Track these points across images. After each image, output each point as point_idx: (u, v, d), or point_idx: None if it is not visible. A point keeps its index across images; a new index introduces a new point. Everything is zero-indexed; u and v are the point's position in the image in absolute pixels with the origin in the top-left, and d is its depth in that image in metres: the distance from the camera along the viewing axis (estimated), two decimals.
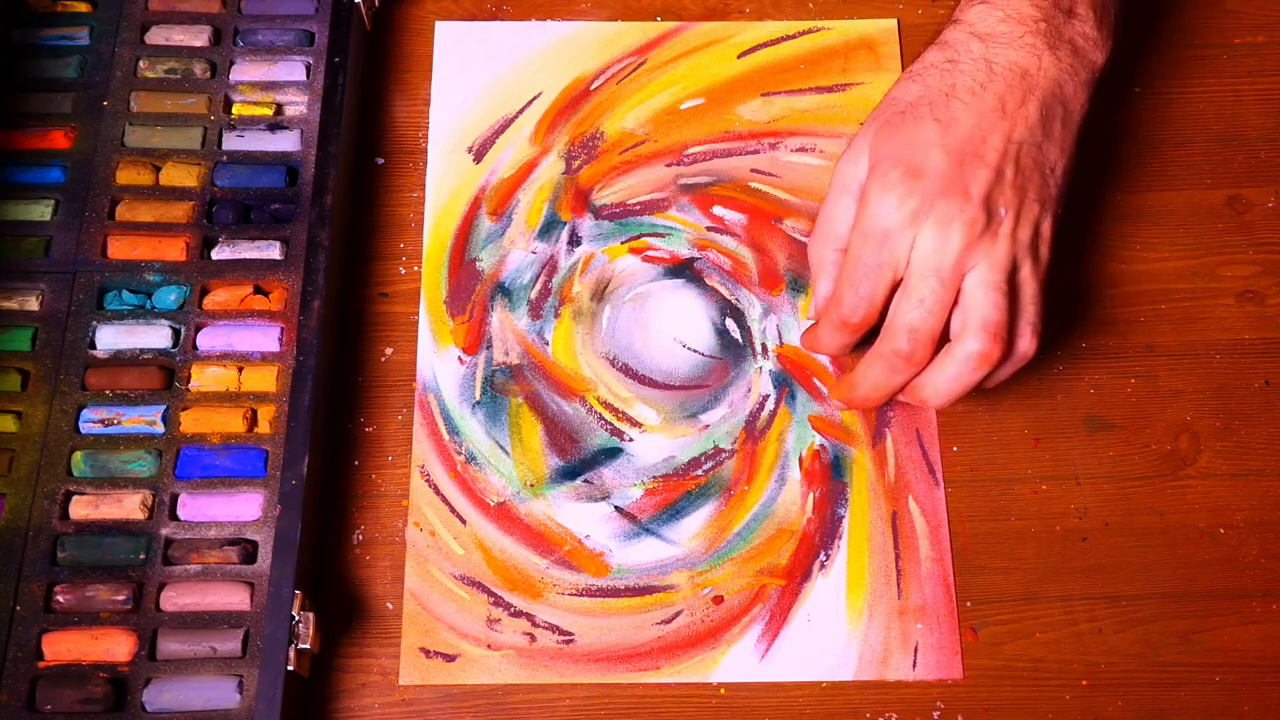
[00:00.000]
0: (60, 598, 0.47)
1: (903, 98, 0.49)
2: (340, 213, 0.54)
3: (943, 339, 0.47)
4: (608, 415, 0.54)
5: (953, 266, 0.46)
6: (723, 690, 0.50)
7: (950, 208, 0.46)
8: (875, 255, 0.47)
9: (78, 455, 0.50)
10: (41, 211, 0.54)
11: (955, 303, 0.46)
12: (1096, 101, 0.50)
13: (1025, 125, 0.47)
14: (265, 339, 0.52)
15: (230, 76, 0.57)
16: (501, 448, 0.53)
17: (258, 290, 0.53)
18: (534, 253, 0.57)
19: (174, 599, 0.48)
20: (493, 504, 0.52)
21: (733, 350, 0.55)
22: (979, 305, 0.46)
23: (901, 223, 0.46)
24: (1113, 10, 0.50)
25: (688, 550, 0.52)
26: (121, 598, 0.47)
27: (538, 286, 0.56)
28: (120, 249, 0.53)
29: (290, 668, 0.45)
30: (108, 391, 0.51)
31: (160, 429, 0.50)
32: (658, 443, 0.54)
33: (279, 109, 0.57)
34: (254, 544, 0.49)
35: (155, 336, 0.52)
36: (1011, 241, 0.46)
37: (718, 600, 0.51)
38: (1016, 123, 0.47)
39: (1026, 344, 0.47)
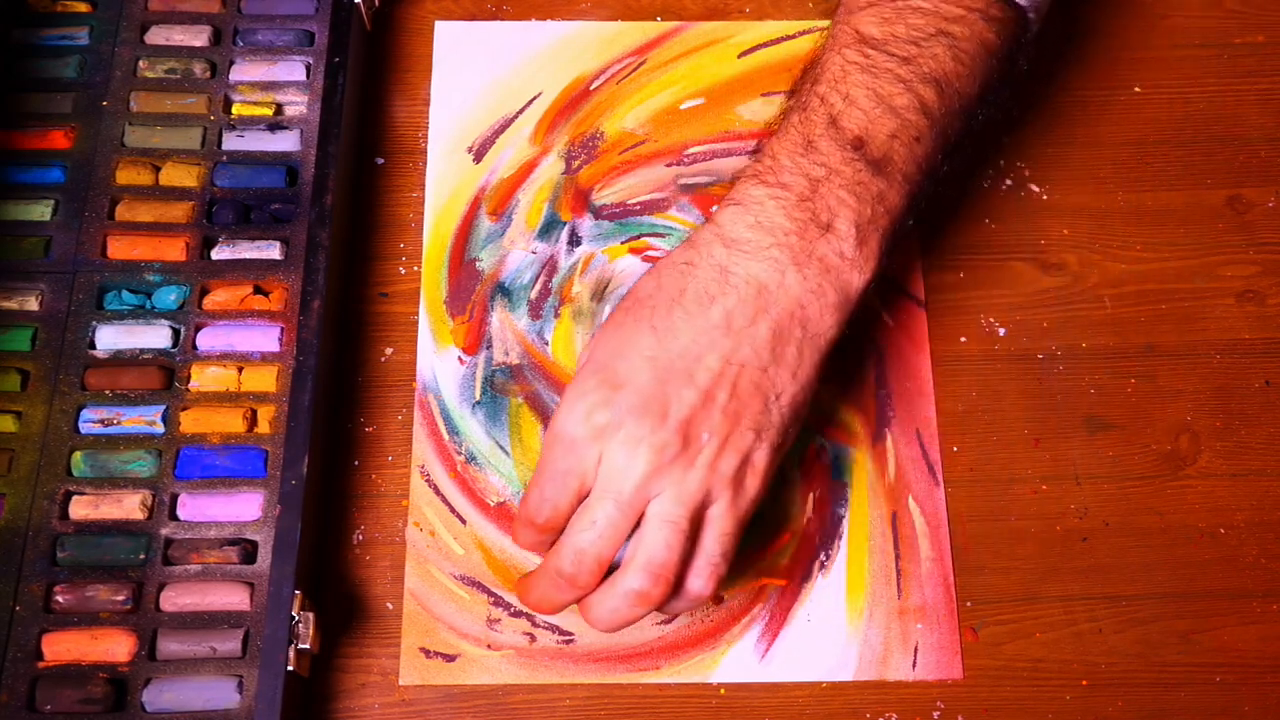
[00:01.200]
0: (60, 598, 0.47)
1: (638, 292, 0.46)
2: (340, 213, 0.54)
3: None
4: None
5: (633, 492, 0.42)
6: (723, 690, 0.50)
7: (641, 429, 0.42)
8: (562, 461, 0.43)
9: (78, 455, 0.50)
10: (41, 211, 0.54)
11: (637, 526, 0.43)
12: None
13: (751, 346, 0.43)
14: (265, 339, 0.52)
15: (230, 76, 0.57)
16: (501, 448, 0.53)
17: (258, 290, 0.53)
18: (534, 253, 0.57)
19: (174, 599, 0.48)
20: (493, 504, 0.52)
21: None
22: (648, 541, 0.42)
23: (588, 435, 0.43)
24: (883, 228, 0.45)
25: None
26: (121, 598, 0.47)
27: (538, 286, 0.56)
28: (120, 249, 0.53)
29: (290, 668, 0.45)
30: (107, 391, 0.51)
31: (160, 429, 0.50)
32: None
33: (279, 109, 0.57)
34: (254, 544, 0.49)
35: (155, 336, 0.52)
36: (708, 472, 0.43)
37: (718, 600, 0.51)
38: (741, 342, 0.43)
39: (700, 585, 0.44)
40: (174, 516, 0.49)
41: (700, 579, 0.44)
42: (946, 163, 0.48)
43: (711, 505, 0.43)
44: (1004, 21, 0.49)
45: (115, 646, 0.47)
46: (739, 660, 0.50)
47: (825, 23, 0.61)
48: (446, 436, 0.54)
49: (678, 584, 0.44)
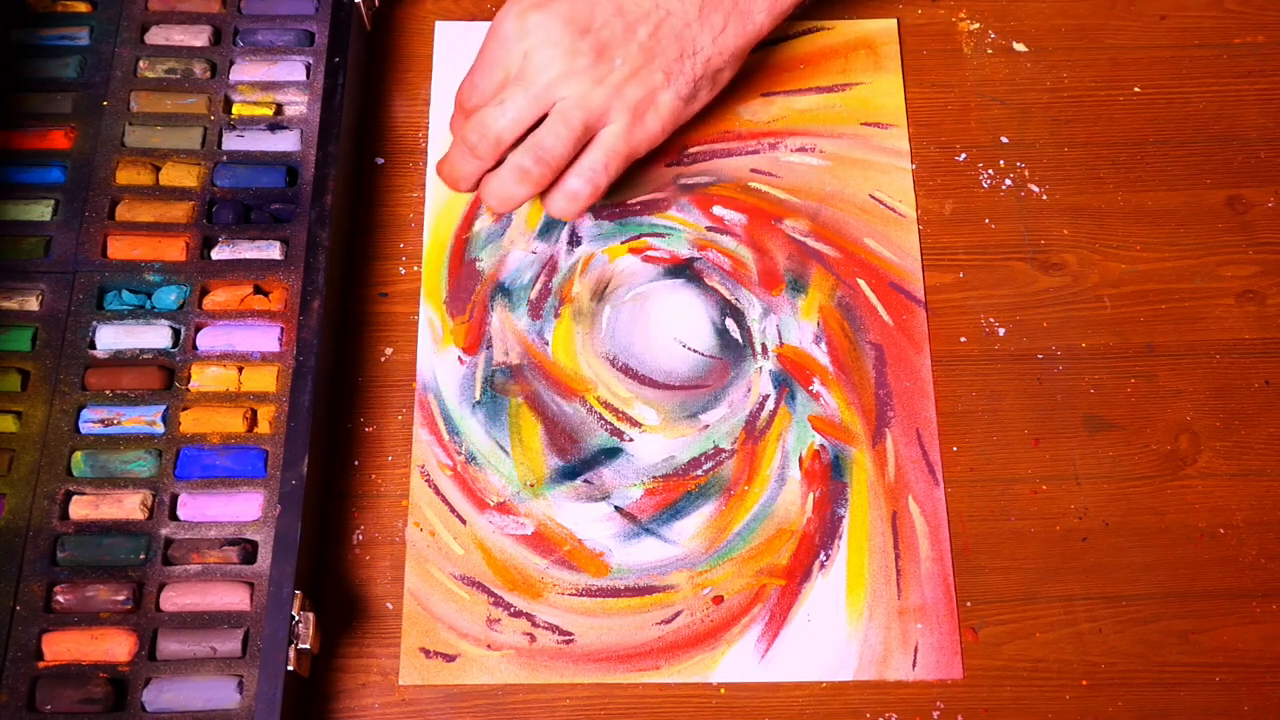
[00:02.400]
0: (60, 598, 0.47)
1: None
2: (340, 213, 0.54)
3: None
4: (608, 415, 0.54)
5: (542, 86, 0.49)
6: (723, 690, 0.50)
7: (564, 36, 0.49)
8: (492, 53, 0.50)
9: (78, 455, 0.50)
10: (41, 211, 0.54)
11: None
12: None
13: (680, 1, 0.50)
14: (265, 339, 0.52)
15: (230, 76, 0.57)
16: (501, 448, 0.53)
17: (258, 290, 0.53)
18: (534, 253, 0.57)
19: (174, 599, 0.48)
20: (493, 504, 0.52)
21: (732, 350, 0.55)
22: (542, 130, 0.49)
23: (516, 32, 0.49)
24: None
25: (688, 550, 0.52)
26: (121, 598, 0.47)
27: (538, 286, 0.56)
28: (120, 249, 0.53)
29: (290, 668, 0.45)
30: (108, 391, 0.51)
31: (160, 429, 0.50)
32: (658, 443, 0.54)
33: (279, 109, 0.57)
34: (254, 544, 0.49)
35: (155, 336, 0.52)
36: (612, 92, 0.49)
37: (718, 600, 0.51)
38: None
39: (577, 186, 0.50)
40: (174, 516, 0.49)
41: (579, 180, 0.50)
42: None
43: (608, 125, 0.50)
44: None
45: (115, 646, 0.47)
46: (739, 660, 0.50)
47: (826, 23, 0.61)
48: (446, 436, 0.54)
49: (559, 180, 0.51)
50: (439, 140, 0.59)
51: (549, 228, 0.57)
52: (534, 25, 0.49)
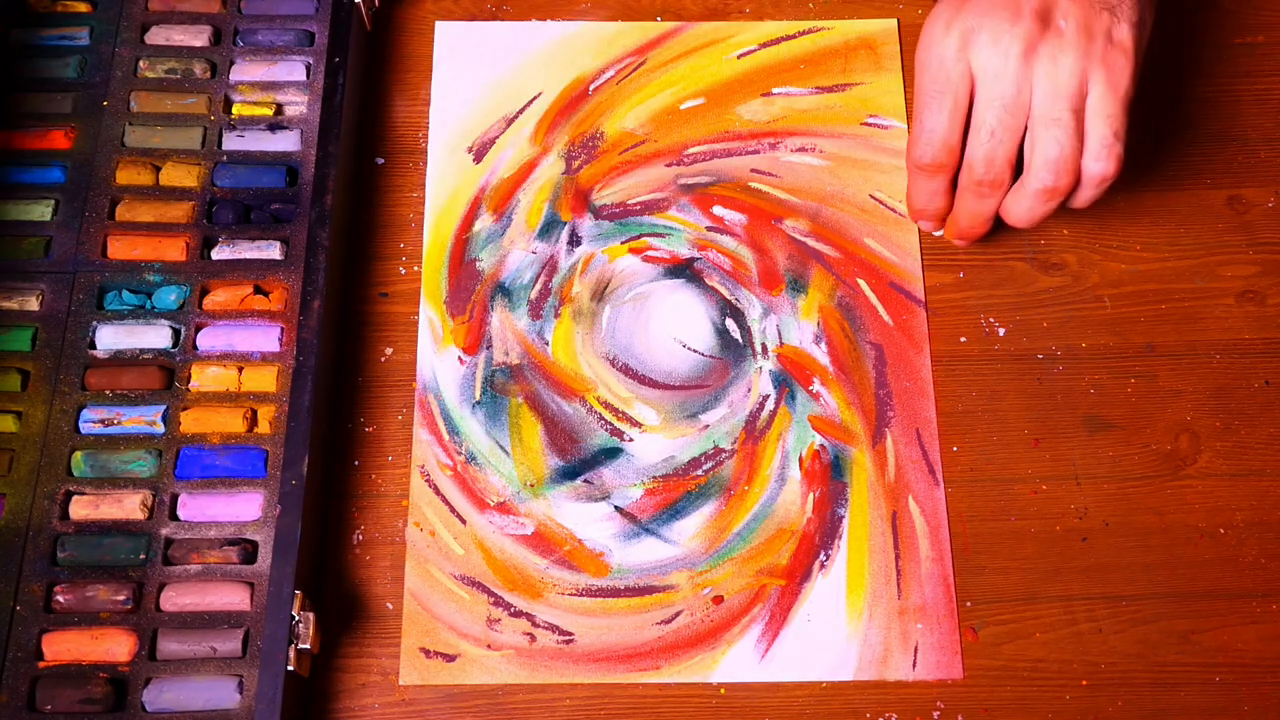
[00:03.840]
0: (60, 598, 0.47)
1: None
2: (340, 213, 0.54)
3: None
4: (608, 415, 0.54)
5: (1013, 90, 0.45)
6: (723, 690, 0.50)
7: (999, 24, 0.45)
8: (932, 84, 0.46)
9: (78, 455, 0.50)
10: (41, 211, 0.54)
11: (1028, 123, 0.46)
12: None
13: None
14: (265, 339, 0.52)
15: (230, 76, 0.57)
16: (501, 448, 0.53)
17: (258, 290, 0.53)
18: (534, 253, 0.57)
19: (174, 599, 0.48)
20: (493, 504, 0.52)
21: (733, 350, 0.55)
22: (1040, 143, 0.46)
23: (953, 48, 0.46)
24: None
25: (688, 550, 0.52)
26: (121, 598, 0.47)
27: (538, 286, 0.56)
28: (120, 249, 0.53)
29: (290, 668, 0.45)
30: (108, 391, 0.51)
31: (160, 429, 0.50)
32: (658, 443, 0.54)
33: (279, 109, 0.57)
34: (254, 544, 0.49)
35: (155, 336, 0.52)
36: (1077, 54, 0.45)
37: (718, 600, 0.51)
38: None
39: (1102, 167, 0.47)
40: (174, 516, 0.49)
41: (1099, 161, 0.46)
42: None
43: (1090, 91, 0.46)
44: None
45: (115, 646, 0.47)
46: (739, 660, 0.50)
47: (825, 22, 0.61)
48: (446, 436, 0.54)
49: (1080, 172, 0.47)
50: (439, 140, 0.59)
51: (549, 228, 0.57)
52: (964, 32, 0.46)
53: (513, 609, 0.51)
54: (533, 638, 0.50)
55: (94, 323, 0.52)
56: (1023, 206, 0.48)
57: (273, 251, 0.54)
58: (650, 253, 0.57)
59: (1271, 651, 0.51)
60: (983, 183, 0.47)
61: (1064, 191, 0.47)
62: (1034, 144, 0.46)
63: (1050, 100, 0.46)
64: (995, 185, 0.47)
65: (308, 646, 0.46)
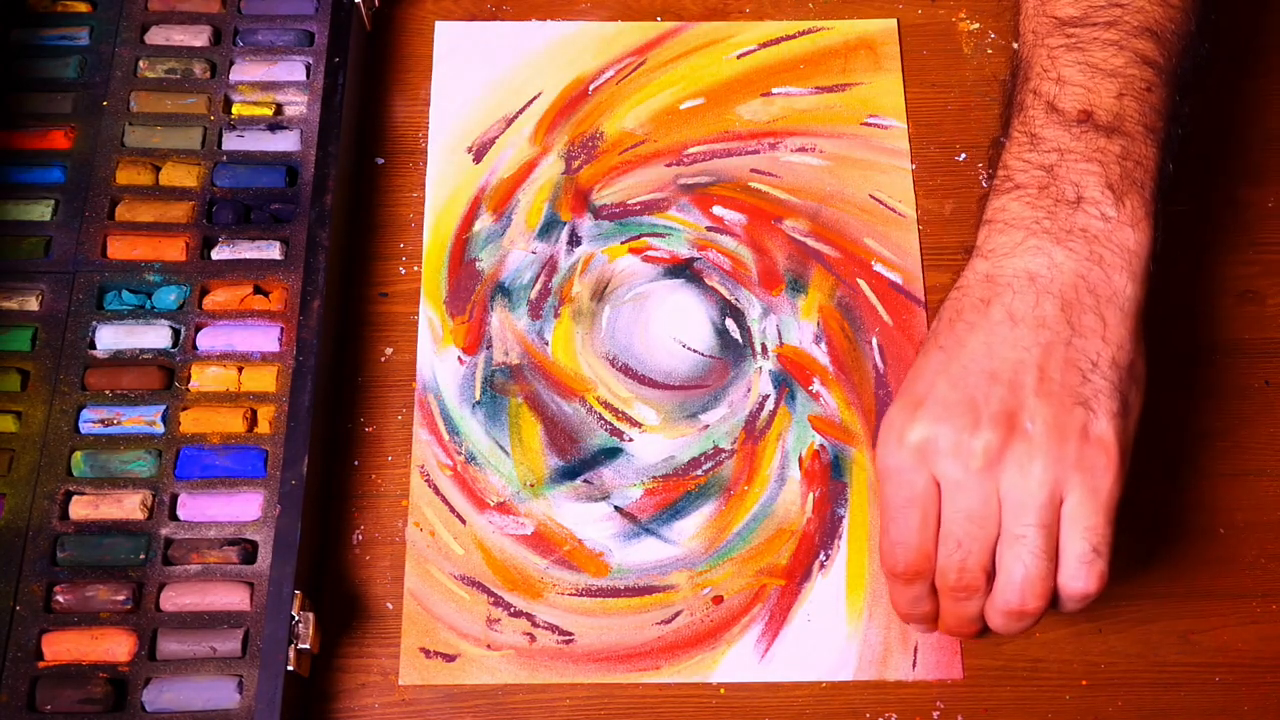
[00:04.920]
0: (60, 598, 0.47)
1: (928, 333, 0.45)
2: (340, 213, 0.54)
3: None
4: (607, 415, 0.54)
5: (980, 505, 0.41)
6: (723, 690, 0.50)
7: (959, 432, 0.41)
8: (895, 495, 0.42)
9: (78, 455, 0.50)
10: (41, 211, 0.54)
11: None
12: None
13: (1044, 327, 0.42)
14: (265, 339, 0.52)
15: (230, 76, 0.57)
16: (501, 448, 0.53)
17: (258, 290, 0.53)
18: (534, 253, 0.57)
19: (174, 599, 0.48)
20: (493, 504, 0.52)
21: (732, 350, 0.55)
22: (1004, 560, 0.41)
23: (910, 458, 0.42)
24: (1139, 181, 0.44)
25: (688, 550, 0.52)
26: (121, 598, 0.47)
27: (538, 286, 0.56)
28: (120, 249, 0.53)
29: (290, 668, 0.45)
30: (108, 391, 0.51)
31: (160, 429, 0.50)
32: (657, 443, 0.54)
33: (279, 109, 0.57)
34: (254, 544, 0.49)
35: (155, 336, 0.52)
36: (1048, 460, 0.40)
37: (718, 600, 0.51)
38: (1032, 327, 0.42)
39: (1080, 586, 0.41)
40: (174, 516, 0.49)
41: (1076, 580, 0.41)
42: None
43: (1066, 499, 0.41)
44: None
45: (115, 646, 0.47)
46: (739, 660, 0.50)
47: (826, 22, 0.61)
48: (446, 436, 0.54)
49: (1058, 589, 0.41)
50: (439, 140, 0.59)
51: (549, 228, 0.57)
52: (920, 441, 0.41)
53: (513, 609, 0.51)
54: (533, 638, 0.50)
55: (94, 323, 0.52)
56: (996, 624, 0.42)
57: (273, 251, 0.54)
58: (650, 253, 0.57)
59: (1271, 651, 0.51)
60: (957, 589, 0.42)
61: (1034, 613, 0.41)
62: (1000, 561, 0.41)
63: (1016, 514, 0.40)
64: (971, 590, 0.42)
65: (308, 646, 0.46)
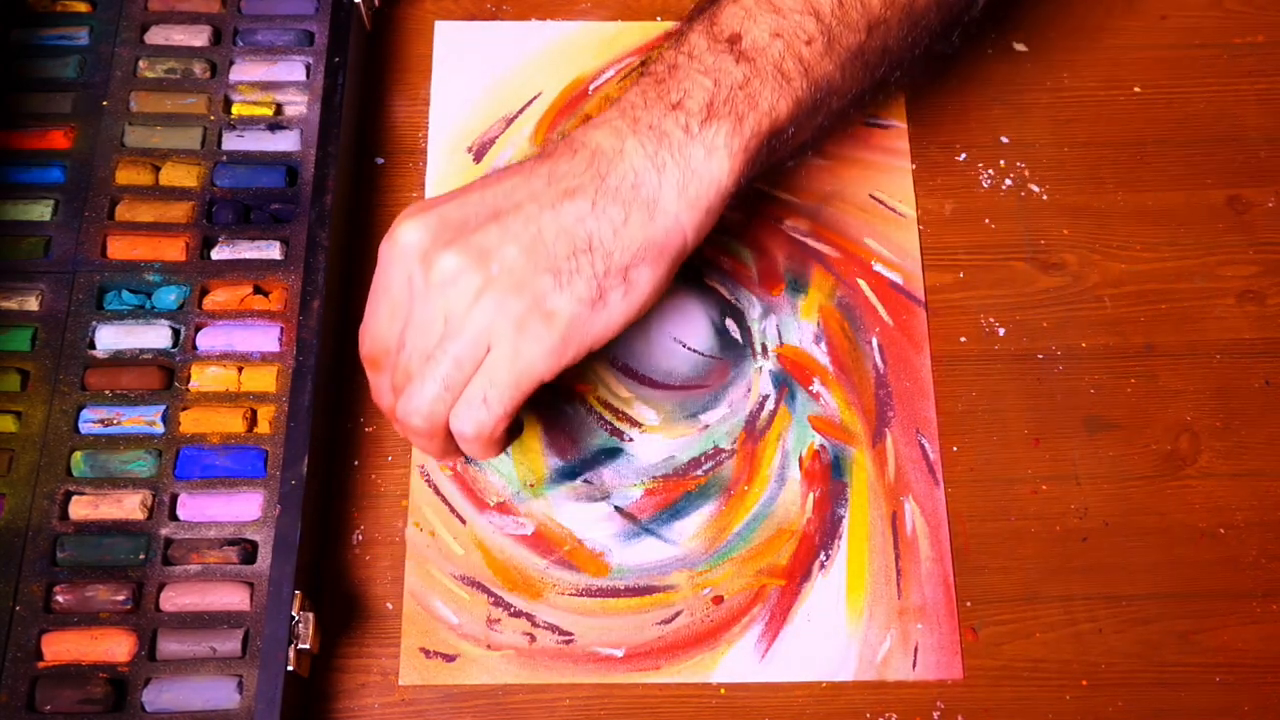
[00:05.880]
0: (60, 598, 0.47)
1: None
2: (340, 213, 0.54)
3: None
4: (608, 415, 0.54)
5: (429, 316, 0.43)
6: (723, 690, 0.50)
7: (437, 248, 0.42)
8: (376, 283, 0.44)
9: (77, 455, 0.50)
10: (41, 211, 0.54)
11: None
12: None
13: (569, 194, 0.42)
14: (265, 339, 0.52)
15: (230, 76, 0.57)
16: None
17: (258, 290, 0.53)
18: None
19: (174, 599, 0.48)
20: (492, 504, 0.52)
21: (733, 350, 0.55)
22: (415, 373, 0.43)
23: (395, 254, 0.43)
24: (744, 117, 0.43)
25: (688, 550, 0.52)
26: (121, 598, 0.47)
27: None
28: (120, 249, 0.53)
29: (290, 668, 0.45)
30: (107, 391, 0.51)
31: (160, 429, 0.50)
32: (657, 443, 0.54)
33: (279, 109, 0.57)
34: (254, 544, 0.49)
35: (155, 336, 0.52)
36: (492, 303, 0.41)
37: (718, 600, 0.51)
38: (561, 193, 0.42)
39: (459, 423, 0.43)
40: (174, 516, 0.49)
41: (456, 418, 0.43)
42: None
43: (493, 348, 0.42)
44: None
45: (115, 646, 0.47)
46: (739, 660, 0.50)
47: None
48: None
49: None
50: (439, 140, 0.59)
51: None
52: (407, 244, 0.42)
53: (513, 609, 0.51)
54: (532, 638, 0.50)
55: (94, 323, 0.52)
56: (398, 428, 0.45)
57: (273, 251, 0.54)
58: None
59: (1271, 651, 0.51)
60: (396, 387, 0.44)
61: (416, 431, 0.43)
62: (415, 372, 0.43)
63: (445, 338, 0.42)
64: (399, 391, 0.44)
65: (307, 646, 0.46)
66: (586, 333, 0.42)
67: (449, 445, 0.45)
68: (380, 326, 0.44)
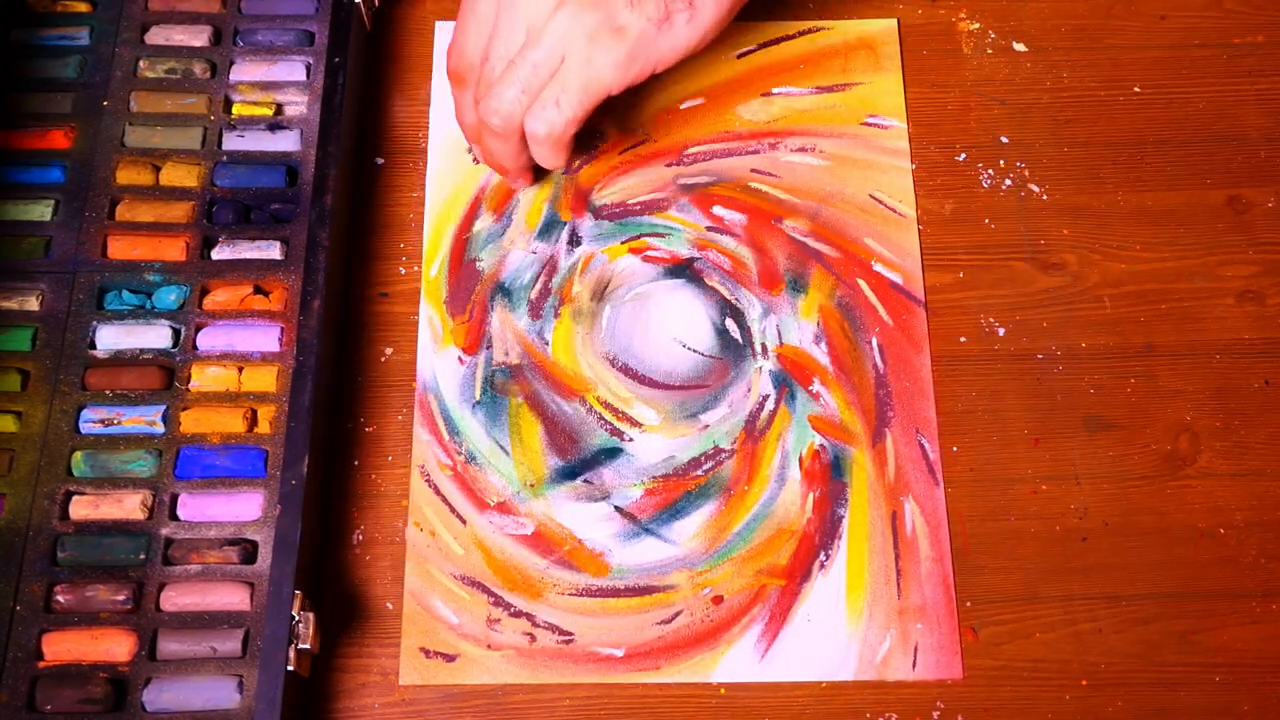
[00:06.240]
0: (60, 598, 0.47)
1: None
2: (340, 213, 0.54)
3: None
4: (608, 415, 0.54)
5: (511, 28, 0.47)
6: (723, 690, 0.50)
7: None
8: (465, 6, 0.49)
9: (78, 455, 0.50)
10: (41, 211, 0.54)
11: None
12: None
13: None
14: (265, 339, 0.52)
15: (230, 76, 0.57)
16: (501, 448, 0.53)
17: (258, 290, 0.53)
18: (534, 253, 0.57)
19: (174, 599, 0.48)
20: (493, 504, 0.52)
21: (733, 350, 0.55)
22: (498, 76, 0.48)
23: None
24: None
25: (688, 550, 0.52)
26: (121, 598, 0.47)
27: (538, 286, 0.56)
28: (120, 249, 0.53)
29: (290, 668, 0.45)
30: (108, 391, 0.51)
31: (160, 429, 0.50)
32: (657, 443, 0.54)
33: (279, 109, 0.57)
34: (254, 544, 0.49)
35: (155, 336, 0.52)
36: (570, 18, 0.47)
37: (717, 600, 0.51)
38: None
39: (532, 123, 0.48)
40: (174, 516, 0.49)
41: (531, 119, 0.48)
42: None
43: (567, 59, 0.47)
44: None
45: (115, 646, 0.47)
46: (739, 660, 0.50)
47: (825, 23, 0.61)
48: (446, 436, 0.54)
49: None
50: (439, 140, 0.59)
51: (549, 228, 0.57)
52: None
53: (513, 609, 0.51)
54: (532, 638, 0.50)
55: (94, 323, 0.52)
56: (479, 132, 0.50)
57: (273, 251, 0.54)
58: (650, 253, 0.57)
59: (1271, 651, 0.51)
60: (478, 95, 0.50)
61: (493, 131, 0.49)
62: (498, 76, 0.48)
63: (527, 47, 0.47)
64: (478, 100, 0.49)
65: (308, 646, 0.46)
66: (652, 51, 0.47)
67: (521, 151, 0.50)
68: (467, 41, 0.49)
